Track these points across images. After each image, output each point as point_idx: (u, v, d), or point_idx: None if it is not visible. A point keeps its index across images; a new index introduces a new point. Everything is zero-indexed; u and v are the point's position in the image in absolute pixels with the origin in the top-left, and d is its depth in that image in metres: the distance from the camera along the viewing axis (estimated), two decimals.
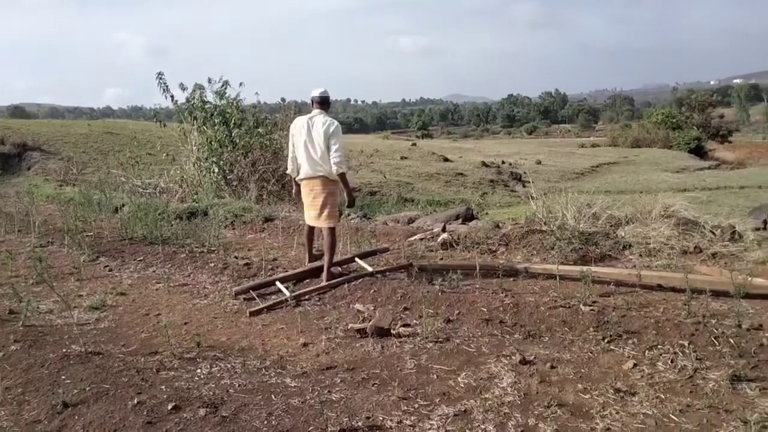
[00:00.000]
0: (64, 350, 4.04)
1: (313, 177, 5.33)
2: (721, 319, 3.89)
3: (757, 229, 6.24)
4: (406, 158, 31.26)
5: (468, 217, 8.54)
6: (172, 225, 7.88)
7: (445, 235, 6.63)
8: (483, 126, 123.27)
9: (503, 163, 32.82)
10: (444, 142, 60.21)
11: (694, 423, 2.88)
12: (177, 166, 11.98)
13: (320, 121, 5.24)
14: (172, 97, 11.30)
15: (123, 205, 9.32)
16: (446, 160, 32.02)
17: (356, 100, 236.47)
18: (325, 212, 5.34)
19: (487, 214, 11.56)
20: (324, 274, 5.33)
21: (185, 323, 4.67)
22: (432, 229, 7.15)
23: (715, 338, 3.66)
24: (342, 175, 5.23)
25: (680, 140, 44.79)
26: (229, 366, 3.76)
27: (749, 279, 4.27)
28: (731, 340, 3.60)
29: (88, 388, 3.41)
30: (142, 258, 6.77)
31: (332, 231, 5.39)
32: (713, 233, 5.83)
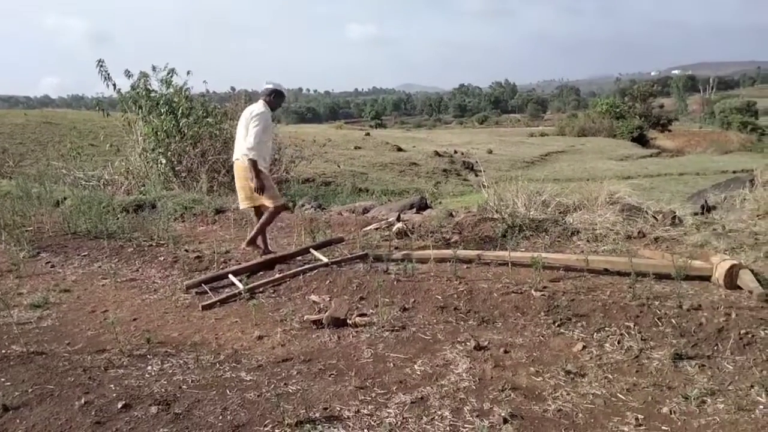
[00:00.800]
0: (3, 351, 3.84)
1: (234, 161, 5.50)
2: (664, 300, 4.07)
3: (696, 214, 6.52)
4: (359, 148, 31.17)
5: (422, 206, 8.60)
6: (118, 218, 7.59)
7: (399, 225, 6.65)
8: (435, 116, 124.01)
9: (456, 152, 33.18)
10: (397, 131, 60.32)
11: (640, 401, 3.01)
12: (122, 157, 11.55)
13: (249, 109, 5.33)
14: (114, 85, 10.84)
15: (65, 199, 8.91)
16: (400, 149, 32.11)
17: (308, 90, 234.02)
18: (244, 194, 5.50)
19: (440, 203, 11.67)
20: (246, 240, 5.52)
21: (134, 319, 4.53)
22: (387, 219, 7.16)
23: (658, 319, 3.82)
24: (252, 162, 5.20)
25: (624, 129, 46.40)
26: (181, 362, 3.67)
27: (689, 262, 4.48)
28: (673, 321, 3.77)
29: (30, 390, 3.26)
30: (86, 253, 6.50)
31: (270, 211, 5.43)
32: (655, 218, 6.07)
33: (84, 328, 4.36)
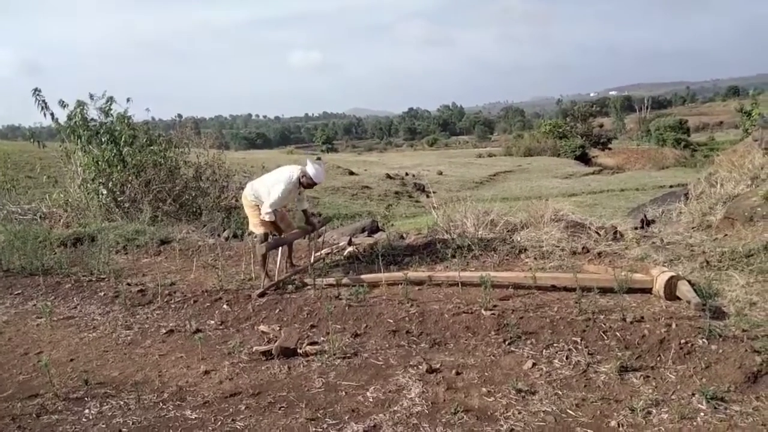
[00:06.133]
0: None
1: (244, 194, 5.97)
2: (609, 314, 4.17)
3: (636, 228, 6.78)
4: (320, 160, 31.02)
5: (373, 229, 8.59)
6: (55, 253, 7.24)
7: (351, 248, 6.61)
8: (386, 139, 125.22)
9: (407, 174, 33.48)
10: (349, 155, 60.45)
11: (589, 415, 3.05)
12: (60, 189, 11.06)
13: (288, 170, 5.58)
14: (52, 115, 10.41)
15: None
16: (351, 173, 32.15)
17: (258, 115, 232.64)
18: (251, 222, 5.89)
19: (392, 225, 11.67)
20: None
21: (71, 360, 4.29)
22: (338, 243, 7.11)
23: (603, 333, 3.91)
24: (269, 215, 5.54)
25: (567, 148, 48.09)
26: (121, 403, 3.49)
27: (630, 275, 4.62)
28: (618, 334, 3.86)
29: None
30: (20, 291, 6.15)
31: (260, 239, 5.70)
32: (598, 234, 6.26)
33: (15, 372, 4.09)
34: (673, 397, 3.16)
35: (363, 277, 5.54)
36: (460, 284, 5.03)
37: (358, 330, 4.43)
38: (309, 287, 5.43)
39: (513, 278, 5.05)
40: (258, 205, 5.73)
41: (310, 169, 5.51)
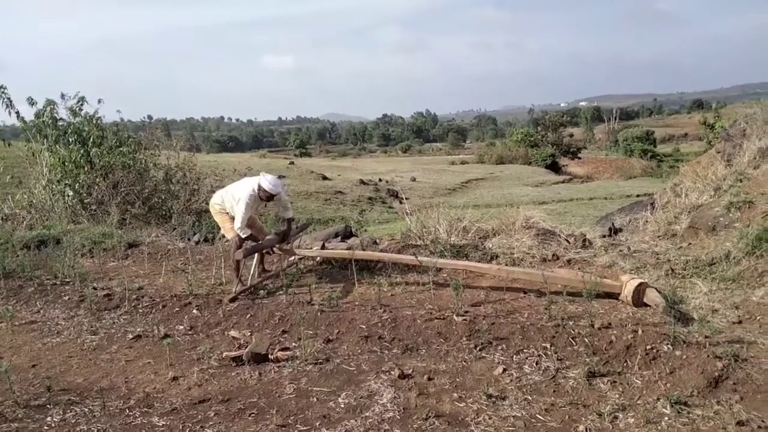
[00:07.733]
0: None
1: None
2: (577, 320, 4.24)
3: (604, 236, 6.92)
4: (284, 177, 30.81)
5: (347, 234, 8.56)
6: (17, 255, 7.02)
7: None
8: (360, 144, 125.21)
9: (380, 180, 33.54)
10: (322, 160, 60.20)
11: (558, 420, 3.09)
12: (24, 190, 10.74)
13: (249, 184, 5.56)
14: (17, 113, 10.11)
15: None
16: (325, 178, 32.04)
17: (230, 118, 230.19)
18: (223, 228, 5.99)
19: (366, 231, 11.68)
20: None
21: (33, 366, 4.17)
22: (311, 248, 7.06)
23: (572, 338, 3.98)
24: (239, 237, 5.57)
25: (538, 157, 48.84)
26: (86, 410, 3.40)
27: (599, 280, 4.71)
28: (586, 340, 3.93)
29: None
30: None
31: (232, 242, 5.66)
32: (568, 241, 6.37)
33: None
34: (638, 401, 3.23)
35: (334, 252, 5.59)
36: (432, 289, 5.05)
37: (331, 336, 4.41)
38: (281, 292, 5.39)
39: (486, 269, 5.17)
40: (226, 211, 5.79)
41: (264, 181, 5.53)
